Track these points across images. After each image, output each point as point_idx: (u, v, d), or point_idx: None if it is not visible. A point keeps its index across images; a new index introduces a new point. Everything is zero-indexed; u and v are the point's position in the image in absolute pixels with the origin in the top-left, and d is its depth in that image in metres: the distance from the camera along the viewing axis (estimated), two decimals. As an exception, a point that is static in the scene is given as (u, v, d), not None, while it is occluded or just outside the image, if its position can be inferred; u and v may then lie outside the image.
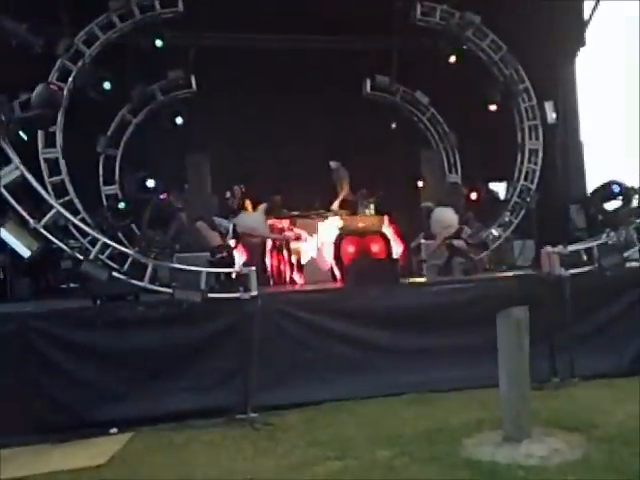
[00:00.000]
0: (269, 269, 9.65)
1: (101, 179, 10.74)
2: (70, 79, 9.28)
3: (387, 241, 9.15)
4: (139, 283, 6.65)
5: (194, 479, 4.93)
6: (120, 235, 9.04)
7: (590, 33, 12.41)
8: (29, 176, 6.80)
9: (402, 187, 11.57)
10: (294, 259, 9.29)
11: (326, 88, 11.42)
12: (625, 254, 7.47)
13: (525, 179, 11.00)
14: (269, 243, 9.72)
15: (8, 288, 8.87)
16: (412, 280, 8.71)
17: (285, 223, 9.70)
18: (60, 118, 9.09)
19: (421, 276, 9.35)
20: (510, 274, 8.67)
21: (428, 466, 4.78)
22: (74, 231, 7.89)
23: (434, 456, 4.92)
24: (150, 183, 8.88)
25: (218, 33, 10.86)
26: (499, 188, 11.65)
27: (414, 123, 12.45)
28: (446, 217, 9.37)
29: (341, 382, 6.70)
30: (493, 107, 10.85)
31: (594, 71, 13.70)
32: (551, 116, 10.82)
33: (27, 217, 6.69)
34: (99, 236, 7.10)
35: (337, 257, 9.06)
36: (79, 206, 9.50)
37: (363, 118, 11.76)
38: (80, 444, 5.86)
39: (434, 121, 12.38)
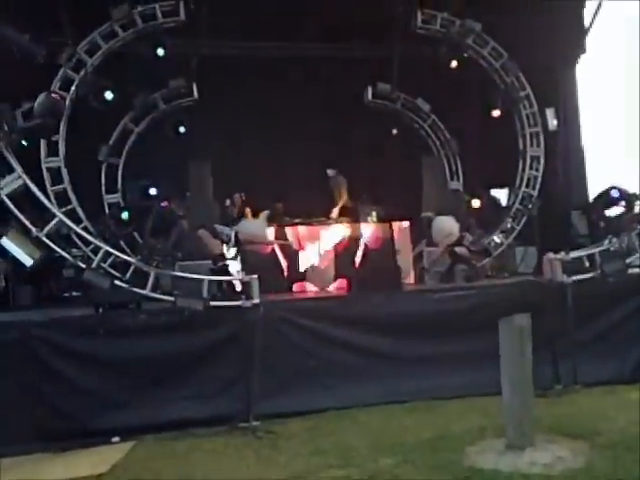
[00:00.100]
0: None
1: (103, 188, 10.75)
2: (72, 88, 9.30)
3: (390, 248, 9.14)
4: (141, 291, 6.67)
5: (196, 488, 4.94)
6: (122, 243, 9.05)
7: (590, 40, 12.48)
8: (32, 185, 6.82)
9: (403, 194, 11.57)
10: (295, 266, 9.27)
11: (327, 96, 11.45)
12: (627, 260, 7.47)
13: (527, 186, 11.01)
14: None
15: (10, 296, 8.86)
16: (414, 287, 8.70)
17: (287, 230, 9.69)
18: (62, 127, 9.12)
19: (423, 283, 9.34)
20: (512, 281, 8.66)
21: (431, 474, 4.77)
22: (76, 239, 7.89)
23: (437, 464, 4.91)
24: (153, 191, 8.89)
25: (219, 41, 10.90)
26: (501, 195, 11.65)
27: (415, 130, 12.47)
28: (446, 226, 9.37)
29: (343, 390, 6.69)
30: (496, 113, 10.88)
31: (595, 77, 13.72)
32: (552, 123, 10.84)
33: (29, 226, 6.71)
34: (101, 244, 7.12)
35: (339, 264, 9.05)
36: (81, 215, 9.50)
37: (364, 125, 11.78)
38: (82, 453, 5.86)
39: (435, 128, 12.39)
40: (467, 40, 10.68)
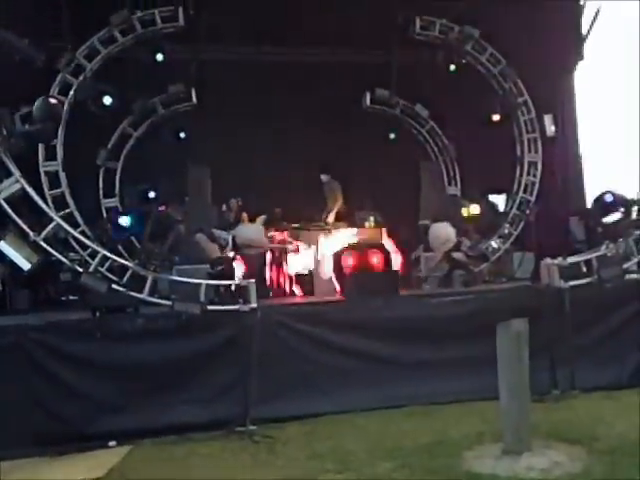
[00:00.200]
0: (268, 281, 9.64)
1: (101, 192, 10.77)
2: (71, 93, 9.34)
3: (387, 253, 9.15)
4: (138, 295, 6.66)
5: (193, 492, 4.92)
6: (120, 247, 9.04)
7: (588, 46, 12.53)
8: (29, 189, 6.83)
9: (401, 199, 11.59)
10: (293, 271, 9.29)
11: (326, 101, 11.48)
12: (624, 266, 7.47)
13: (524, 191, 11.06)
14: (269, 255, 9.71)
15: (7, 300, 8.86)
16: (412, 292, 8.70)
17: (285, 235, 9.72)
18: (61, 131, 9.13)
19: (421, 288, 9.34)
20: (510, 286, 8.66)
21: (428, 479, 4.75)
22: (74, 243, 7.90)
23: (434, 469, 4.90)
24: (151, 195, 8.90)
25: (218, 47, 10.95)
26: (498, 200, 11.68)
27: (414, 136, 12.51)
28: (442, 232, 9.40)
29: (341, 394, 6.67)
30: (495, 118, 10.92)
31: (593, 84, 13.77)
32: (550, 129, 10.88)
33: (27, 229, 6.71)
34: (99, 248, 7.10)
35: (337, 269, 9.05)
36: (79, 219, 9.52)
37: (363, 131, 11.81)
38: (79, 457, 5.83)
39: (433, 134, 12.45)
40: (466, 46, 10.74)
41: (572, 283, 7.11)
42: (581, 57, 12.62)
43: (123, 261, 7.15)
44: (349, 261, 8.55)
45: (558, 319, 6.91)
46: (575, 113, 12.88)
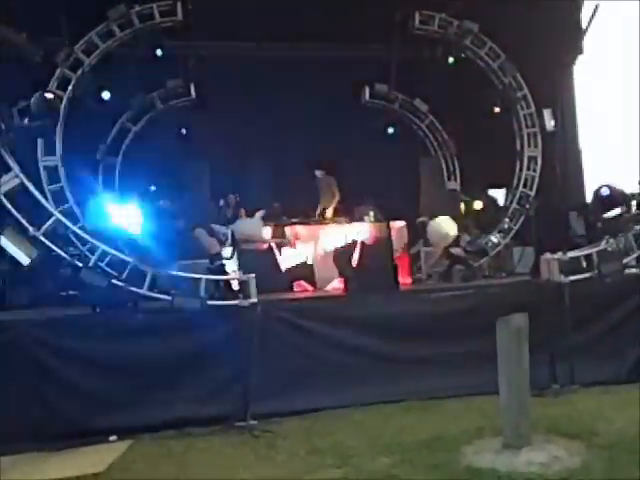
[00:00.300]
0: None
1: (101, 187, 10.74)
2: (69, 88, 9.31)
3: (387, 248, 9.14)
4: (138, 290, 6.65)
5: (193, 487, 4.93)
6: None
7: (588, 40, 12.50)
8: (29, 184, 6.81)
9: (401, 194, 11.58)
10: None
11: (325, 96, 11.45)
12: (624, 261, 7.47)
13: (524, 186, 11.04)
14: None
15: (7, 295, 8.84)
16: (412, 287, 8.70)
17: (286, 230, 9.69)
18: (59, 126, 9.11)
19: (421, 283, 9.34)
20: (510, 281, 8.67)
21: (428, 474, 4.77)
22: (73, 238, 7.89)
23: (434, 464, 4.91)
24: (151, 190, 8.91)
25: (217, 42, 10.91)
26: (498, 195, 11.68)
27: (413, 131, 12.49)
28: (442, 228, 9.39)
29: (341, 389, 6.68)
30: (495, 111, 10.91)
31: (592, 78, 13.75)
32: (550, 123, 10.86)
33: (26, 224, 6.70)
34: (98, 243, 7.09)
35: (337, 264, 9.05)
36: (78, 214, 9.50)
37: (362, 126, 11.78)
38: (79, 452, 5.83)
39: (433, 128, 12.43)
40: (465, 41, 10.71)
41: (572, 278, 7.12)
42: (580, 51, 12.59)
43: (123, 256, 7.14)
44: (350, 256, 8.57)
45: (558, 314, 6.92)
46: (574, 107, 12.86)
